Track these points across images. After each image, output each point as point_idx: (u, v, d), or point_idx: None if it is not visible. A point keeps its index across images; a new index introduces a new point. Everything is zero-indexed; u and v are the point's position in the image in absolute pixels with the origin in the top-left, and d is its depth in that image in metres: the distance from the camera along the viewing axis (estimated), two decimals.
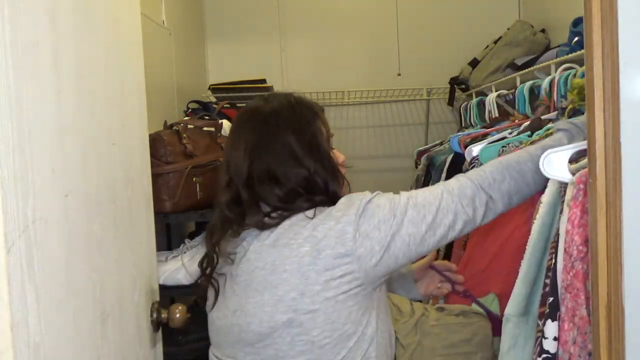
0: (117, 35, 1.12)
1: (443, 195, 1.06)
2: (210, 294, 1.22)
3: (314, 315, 1.04)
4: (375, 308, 1.10)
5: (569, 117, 1.31)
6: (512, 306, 0.96)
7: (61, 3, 0.86)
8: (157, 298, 1.27)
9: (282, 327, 1.06)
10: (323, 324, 1.05)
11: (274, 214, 1.12)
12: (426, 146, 2.65)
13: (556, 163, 0.92)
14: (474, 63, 2.72)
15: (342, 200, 1.10)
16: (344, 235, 1.04)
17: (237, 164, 1.16)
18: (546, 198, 0.97)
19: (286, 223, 1.10)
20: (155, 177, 1.50)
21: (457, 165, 1.79)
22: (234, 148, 1.18)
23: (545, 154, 0.94)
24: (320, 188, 1.13)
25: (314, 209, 1.10)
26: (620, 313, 0.69)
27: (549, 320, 0.86)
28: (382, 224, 1.04)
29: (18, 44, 0.72)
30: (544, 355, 0.86)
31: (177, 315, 1.21)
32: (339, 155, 1.22)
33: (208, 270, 1.20)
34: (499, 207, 1.06)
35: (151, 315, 1.21)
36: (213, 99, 2.84)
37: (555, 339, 0.85)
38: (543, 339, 0.86)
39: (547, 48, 2.44)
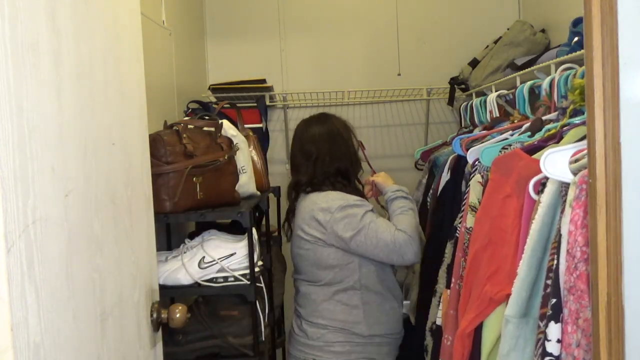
0: (117, 35, 1.12)
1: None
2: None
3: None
4: None
5: (571, 117, 1.31)
6: (512, 308, 0.95)
7: (61, 3, 0.86)
8: (157, 298, 1.27)
9: None
10: None
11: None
12: (428, 146, 2.64)
13: (557, 163, 0.91)
14: (474, 63, 2.72)
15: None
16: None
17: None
18: (545, 198, 0.96)
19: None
20: (155, 177, 1.50)
21: (460, 166, 1.79)
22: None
23: (546, 153, 0.93)
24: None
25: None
26: (620, 313, 0.69)
27: (552, 322, 0.85)
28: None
29: (18, 44, 0.72)
30: (547, 358, 0.85)
31: (177, 315, 1.21)
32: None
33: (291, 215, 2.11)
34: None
35: (151, 315, 1.21)
36: (213, 99, 2.84)
37: (558, 341, 0.84)
38: (546, 341, 0.86)
39: (547, 48, 2.44)
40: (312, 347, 1.99)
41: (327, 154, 2.03)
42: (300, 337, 2.04)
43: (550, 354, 0.85)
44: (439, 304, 1.72)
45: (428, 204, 2.13)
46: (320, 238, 1.94)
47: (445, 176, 1.88)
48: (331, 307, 1.97)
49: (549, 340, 0.86)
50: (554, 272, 0.88)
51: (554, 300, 0.86)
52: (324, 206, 1.93)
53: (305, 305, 2.03)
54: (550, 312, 0.86)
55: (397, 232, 1.88)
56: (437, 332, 1.69)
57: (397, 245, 1.86)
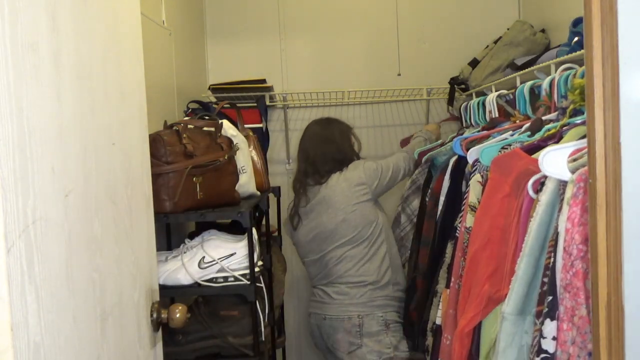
0: (117, 35, 1.12)
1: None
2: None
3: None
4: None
5: (571, 117, 1.31)
6: (509, 304, 0.95)
7: (61, 3, 0.86)
8: (157, 298, 1.27)
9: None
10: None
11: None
12: (428, 146, 2.64)
13: (556, 161, 0.92)
14: (473, 63, 2.72)
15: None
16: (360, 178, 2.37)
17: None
18: (544, 196, 0.96)
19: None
20: (155, 177, 1.50)
21: (461, 167, 1.79)
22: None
23: (544, 151, 0.93)
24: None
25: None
26: (620, 313, 0.69)
27: (548, 320, 0.86)
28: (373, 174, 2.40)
29: (18, 44, 0.72)
30: (543, 355, 0.85)
31: (177, 315, 1.21)
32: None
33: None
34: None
35: (151, 315, 1.21)
36: (213, 99, 2.84)
37: (554, 338, 0.85)
38: (542, 339, 0.86)
39: (547, 48, 2.44)
40: (356, 304, 2.31)
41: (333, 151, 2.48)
42: (342, 298, 2.34)
43: (546, 351, 0.85)
44: (439, 304, 1.72)
45: (426, 202, 2.13)
46: (366, 194, 2.36)
47: (447, 180, 1.88)
48: (371, 265, 2.34)
49: (544, 338, 0.86)
50: (550, 269, 0.88)
51: (550, 298, 0.86)
52: (358, 174, 2.38)
53: (344, 269, 2.35)
54: (547, 309, 0.86)
55: (399, 153, 2.57)
56: (437, 331, 1.69)
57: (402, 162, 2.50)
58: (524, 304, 0.96)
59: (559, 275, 0.85)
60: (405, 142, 2.81)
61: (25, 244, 0.71)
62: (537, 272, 0.96)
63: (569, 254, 0.83)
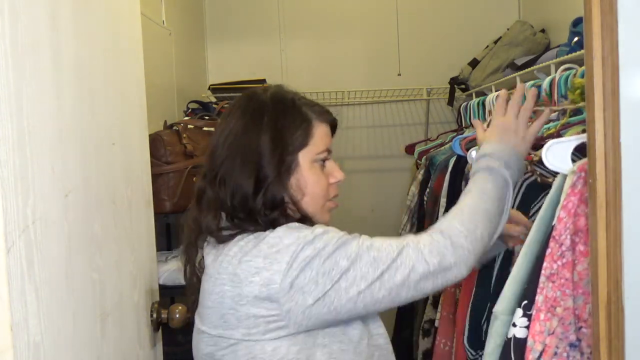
0: (117, 35, 1.12)
1: (405, 247, 0.94)
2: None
3: (235, 348, 0.95)
4: (319, 347, 0.95)
5: (571, 117, 1.31)
6: (502, 303, 0.90)
7: (61, 3, 0.86)
8: (157, 298, 1.27)
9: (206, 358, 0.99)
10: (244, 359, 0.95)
11: (225, 228, 1.00)
12: (427, 146, 2.64)
13: (560, 154, 0.86)
14: (473, 63, 2.72)
15: (278, 231, 0.95)
16: (271, 284, 0.91)
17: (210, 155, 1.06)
18: (550, 193, 0.92)
19: (221, 247, 0.99)
20: (155, 177, 1.50)
21: (460, 167, 1.79)
22: (215, 134, 1.09)
23: (547, 145, 0.88)
24: (274, 206, 0.99)
25: (248, 233, 0.97)
26: (620, 313, 0.69)
27: (520, 309, 0.82)
28: (320, 276, 0.91)
29: (18, 44, 0.72)
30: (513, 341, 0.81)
31: (177, 315, 1.21)
32: (333, 173, 1.07)
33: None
34: (471, 258, 0.95)
35: (151, 315, 1.21)
36: (213, 99, 2.84)
37: (527, 327, 0.81)
38: (512, 327, 0.83)
39: (547, 48, 2.44)
40: None
41: None
42: None
43: (515, 337, 0.82)
44: (437, 304, 1.72)
45: (425, 202, 2.13)
46: (274, 317, 1.13)
47: (447, 180, 1.88)
48: None
49: (515, 326, 0.82)
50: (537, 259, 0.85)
51: (528, 286, 0.83)
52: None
53: None
54: (523, 297, 0.83)
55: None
56: (429, 332, 1.69)
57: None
58: (517, 303, 0.91)
59: (544, 264, 0.81)
60: (410, 149, 2.70)
61: (25, 244, 0.71)
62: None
63: (559, 243, 0.80)
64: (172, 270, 1.66)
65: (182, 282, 1.63)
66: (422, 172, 2.33)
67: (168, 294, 1.72)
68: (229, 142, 1.02)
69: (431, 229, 0.99)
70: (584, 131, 0.81)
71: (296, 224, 0.97)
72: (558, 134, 1.27)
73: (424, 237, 0.96)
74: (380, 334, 1.03)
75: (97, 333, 0.94)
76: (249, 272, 0.92)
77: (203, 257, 1.04)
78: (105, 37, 1.05)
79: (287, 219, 0.99)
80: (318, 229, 0.95)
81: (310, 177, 1.03)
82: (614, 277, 0.70)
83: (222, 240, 0.98)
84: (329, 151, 1.07)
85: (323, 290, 0.90)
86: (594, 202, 0.71)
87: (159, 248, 1.47)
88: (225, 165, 1.01)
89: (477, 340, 1.24)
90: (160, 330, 1.26)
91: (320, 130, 1.06)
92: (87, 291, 0.91)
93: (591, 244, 0.73)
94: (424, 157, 2.41)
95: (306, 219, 1.02)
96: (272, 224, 0.97)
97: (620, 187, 0.69)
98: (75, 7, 0.92)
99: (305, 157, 1.03)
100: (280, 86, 1.10)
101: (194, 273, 1.07)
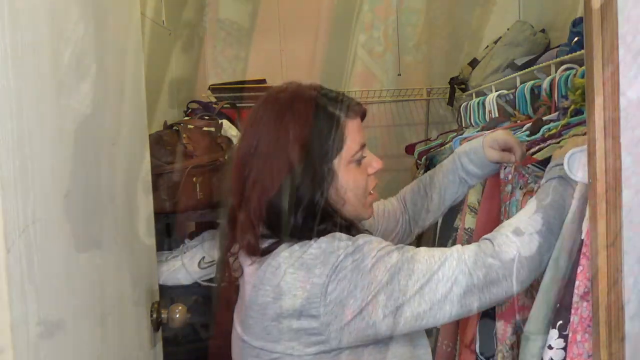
0: (117, 35, 1.12)
1: (449, 258, 0.88)
2: None
3: None
4: None
5: (571, 117, 1.31)
6: (532, 322, 0.84)
7: (61, 3, 0.86)
8: (157, 298, 1.27)
9: None
10: None
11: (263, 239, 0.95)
12: (428, 146, 2.64)
13: (583, 163, 0.79)
14: (473, 63, 2.72)
15: (321, 242, 0.91)
16: (312, 298, 0.88)
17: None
18: (573, 204, 0.87)
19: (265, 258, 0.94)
20: (155, 177, 1.50)
21: None
22: (239, 148, 1.02)
23: (568, 154, 0.82)
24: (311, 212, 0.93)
25: (291, 242, 0.92)
26: (620, 313, 0.69)
27: (555, 330, 0.78)
28: (359, 290, 0.87)
29: (18, 44, 0.72)
30: None
31: (177, 315, 1.21)
32: (371, 164, 1.06)
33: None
34: (524, 273, 0.86)
35: (151, 315, 1.21)
36: (213, 99, 2.84)
37: (564, 349, 0.76)
38: (549, 349, 0.77)
39: (547, 48, 2.44)
40: None
41: None
42: None
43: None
44: None
45: None
46: (313, 330, 1.12)
47: None
48: None
49: (551, 348, 0.77)
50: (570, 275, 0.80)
51: (559, 305, 0.79)
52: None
53: None
54: (557, 317, 0.79)
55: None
56: (430, 332, 1.68)
57: None
58: (549, 323, 0.83)
59: (575, 282, 0.76)
60: (410, 149, 2.71)
61: (25, 244, 0.71)
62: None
63: (588, 258, 0.75)
64: (172, 270, 1.66)
65: (182, 282, 1.64)
66: (422, 172, 2.33)
67: (168, 294, 1.72)
68: (256, 159, 0.96)
69: (482, 238, 0.92)
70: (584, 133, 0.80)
71: (338, 234, 0.93)
72: (559, 135, 1.27)
73: (471, 248, 0.89)
74: (425, 353, 0.99)
75: (97, 333, 0.94)
76: (293, 285, 0.89)
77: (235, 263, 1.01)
78: (105, 37, 1.05)
79: (331, 226, 0.95)
80: (360, 239, 0.91)
81: (349, 182, 0.99)
82: (614, 278, 0.70)
83: (264, 254, 0.94)
84: (363, 146, 1.03)
85: (361, 305, 0.86)
86: (594, 202, 0.71)
87: (159, 248, 1.47)
88: (257, 184, 0.95)
89: (489, 350, 1.21)
90: (160, 330, 1.26)
91: (351, 128, 1.03)
92: (87, 291, 0.91)
93: (591, 244, 0.73)
94: (424, 157, 2.41)
95: (351, 226, 0.98)
96: (317, 234, 0.93)
97: (620, 187, 0.69)
98: (76, 7, 0.92)
99: (340, 163, 0.99)
100: (300, 84, 1.07)
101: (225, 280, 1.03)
